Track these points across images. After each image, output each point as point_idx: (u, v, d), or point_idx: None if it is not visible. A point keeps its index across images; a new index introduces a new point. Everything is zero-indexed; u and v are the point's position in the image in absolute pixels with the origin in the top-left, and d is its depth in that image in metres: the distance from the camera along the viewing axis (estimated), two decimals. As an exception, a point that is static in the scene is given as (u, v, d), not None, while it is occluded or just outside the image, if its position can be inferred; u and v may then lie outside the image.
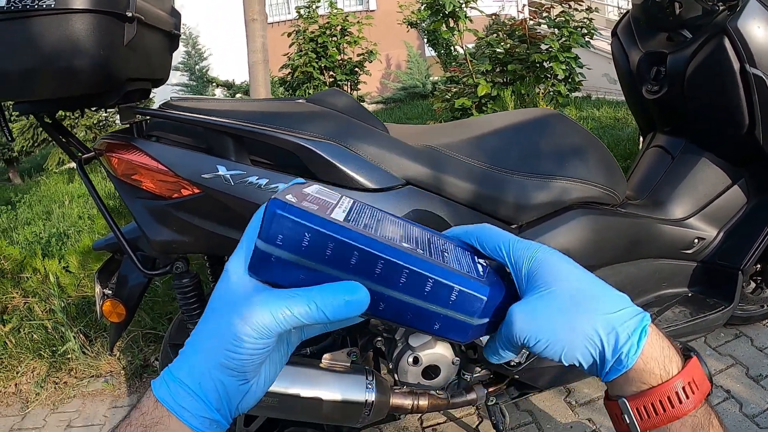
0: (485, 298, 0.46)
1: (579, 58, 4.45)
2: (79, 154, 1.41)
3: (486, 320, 0.48)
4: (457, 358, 1.52)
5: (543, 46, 4.32)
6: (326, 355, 1.44)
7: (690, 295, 2.00)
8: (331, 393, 1.34)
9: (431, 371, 1.53)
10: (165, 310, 2.89)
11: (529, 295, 0.46)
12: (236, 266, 0.45)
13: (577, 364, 0.45)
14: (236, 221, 1.35)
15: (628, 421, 0.45)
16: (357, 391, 1.29)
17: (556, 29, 4.39)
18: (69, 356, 2.86)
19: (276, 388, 1.27)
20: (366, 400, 1.33)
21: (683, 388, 0.43)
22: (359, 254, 0.44)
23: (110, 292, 1.65)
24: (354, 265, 0.44)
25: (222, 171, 1.32)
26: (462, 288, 0.45)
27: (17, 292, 2.95)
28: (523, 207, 1.56)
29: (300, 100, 1.53)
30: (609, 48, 2.96)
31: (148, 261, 1.58)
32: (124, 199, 1.41)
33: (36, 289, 2.98)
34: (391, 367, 1.57)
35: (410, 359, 1.54)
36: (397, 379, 1.52)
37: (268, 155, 1.38)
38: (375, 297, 0.45)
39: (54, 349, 2.87)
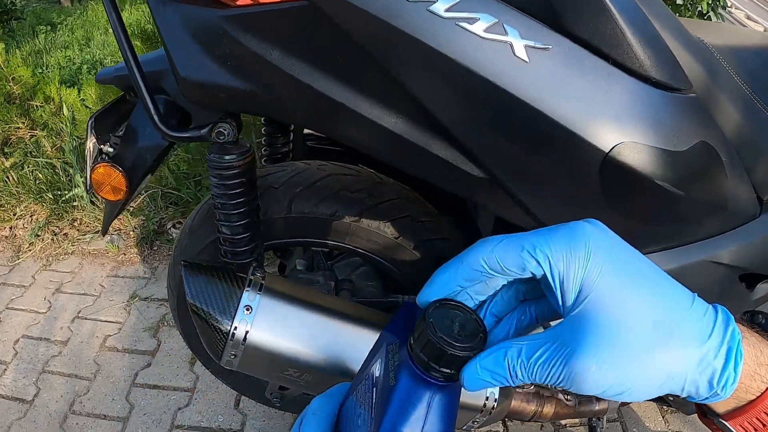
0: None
1: None
2: None
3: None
4: None
5: None
6: None
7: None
8: None
9: None
10: (195, 170, 2.32)
11: (594, 334, 0.35)
12: None
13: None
14: (353, 70, 0.76)
15: None
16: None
17: None
18: (75, 204, 2.35)
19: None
20: (485, 405, 0.91)
21: None
22: None
23: (111, 150, 1.06)
24: None
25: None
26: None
27: (24, 122, 2.40)
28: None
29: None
30: None
31: (173, 113, 0.98)
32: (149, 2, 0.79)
33: (47, 121, 2.42)
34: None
35: None
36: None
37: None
38: None
39: (59, 193, 2.36)
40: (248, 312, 0.83)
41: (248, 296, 0.84)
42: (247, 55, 0.74)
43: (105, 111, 1.12)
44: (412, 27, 0.69)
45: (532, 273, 0.37)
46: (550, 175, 0.81)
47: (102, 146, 1.07)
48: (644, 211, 0.86)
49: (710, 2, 3.26)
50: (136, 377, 1.81)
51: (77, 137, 2.34)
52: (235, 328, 0.83)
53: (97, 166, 1.02)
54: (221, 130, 0.88)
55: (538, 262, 0.37)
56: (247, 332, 0.83)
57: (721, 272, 0.99)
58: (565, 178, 0.80)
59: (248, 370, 0.90)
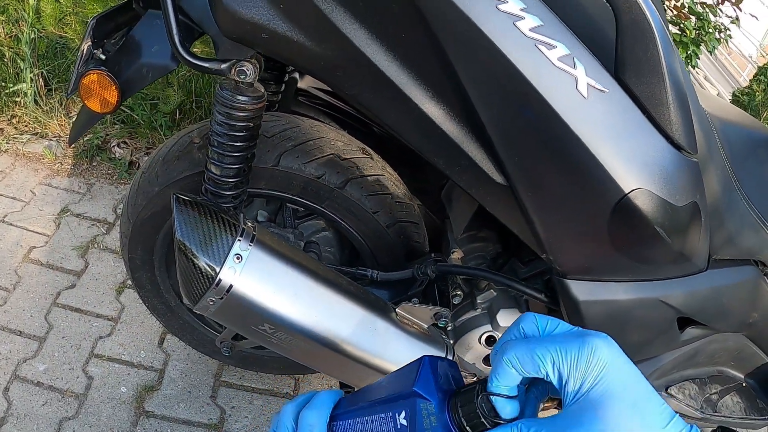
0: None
1: (697, 58, 3.69)
2: None
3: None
4: None
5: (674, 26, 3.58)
6: (405, 305, 0.95)
7: (744, 385, 1.69)
8: (396, 363, 0.94)
9: None
10: (154, 93, 2.20)
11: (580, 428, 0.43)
12: None
13: None
14: (414, 51, 0.80)
15: None
16: None
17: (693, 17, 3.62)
18: (17, 100, 2.18)
19: (314, 323, 0.89)
20: None
21: None
22: None
23: (103, 57, 0.99)
24: None
25: None
26: None
27: (-22, 1, 2.18)
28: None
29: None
30: None
31: (189, 33, 0.92)
32: None
33: (7, 5, 2.21)
34: (449, 329, 1.19)
35: (485, 336, 1.26)
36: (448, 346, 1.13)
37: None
38: None
39: (2, 84, 2.17)
40: (238, 261, 0.81)
41: (240, 245, 0.82)
42: (306, 5, 0.72)
43: (107, 15, 1.04)
44: (494, 34, 0.75)
45: (545, 375, 0.44)
46: (566, 197, 0.88)
47: (95, 51, 1.00)
48: (634, 248, 0.95)
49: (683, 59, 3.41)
50: (58, 296, 1.72)
51: (39, 30, 2.15)
52: (222, 275, 0.80)
53: (91, 72, 0.95)
54: (244, 69, 0.84)
55: (548, 372, 0.44)
56: (232, 282, 0.81)
57: (666, 312, 1.10)
58: (578, 205, 0.88)
59: (221, 318, 0.88)
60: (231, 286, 0.81)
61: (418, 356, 0.99)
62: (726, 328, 1.29)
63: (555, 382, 0.44)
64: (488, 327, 1.24)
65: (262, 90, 0.90)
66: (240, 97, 0.87)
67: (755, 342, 1.42)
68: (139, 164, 2.21)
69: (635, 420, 0.41)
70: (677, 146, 0.87)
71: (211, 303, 0.83)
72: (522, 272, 1.23)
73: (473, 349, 1.26)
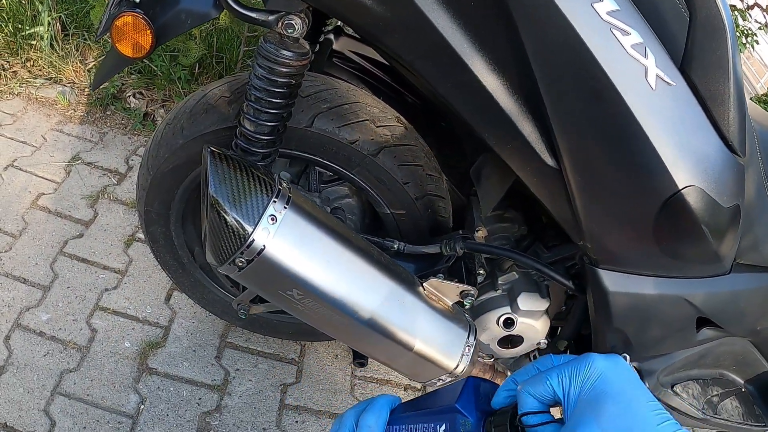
0: None
1: None
2: None
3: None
4: (545, 341, 1.28)
5: None
6: (432, 280, 0.97)
7: (743, 390, 1.71)
8: (422, 339, 0.93)
9: (511, 340, 1.29)
10: (175, 45, 2.14)
11: None
12: None
13: None
14: (480, 20, 0.78)
15: None
16: (452, 351, 0.96)
17: None
18: (33, 43, 2.11)
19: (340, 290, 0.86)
20: (456, 367, 0.98)
21: None
22: None
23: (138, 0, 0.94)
24: None
25: None
26: None
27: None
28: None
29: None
30: None
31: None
32: None
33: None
34: (467, 308, 1.15)
35: (503, 318, 1.25)
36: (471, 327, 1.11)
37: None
38: None
39: (19, 27, 2.10)
40: (272, 222, 0.78)
41: (275, 206, 0.79)
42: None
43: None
44: (571, 12, 0.74)
45: (554, 394, 0.49)
46: (618, 186, 0.87)
47: (132, -8, 0.95)
48: (674, 244, 0.94)
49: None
50: (65, 245, 1.69)
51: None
52: (255, 235, 0.77)
53: (125, 13, 0.90)
54: (292, 23, 0.80)
55: (555, 389, 0.48)
56: (265, 243, 0.78)
57: (688, 310, 1.09)
58: (629, 196, 0.88)
59: (248, 280, 0.85)
60: (263, 247, 0.78)
61: (443, 333, 0.97)
62: (738, 332, 1.29)
63: (562, 398, 0.48)
64: (507, 309, 1.22)
65: (308, 47, 0.86)
66: (285, 52, 0.83)
67: (759, 349, 1.43)
68: (154, 116, 2.16)
69: (629, 418, 0.44)
70: (730, 147, 0.87)
71: (240, 264, 0.79)
72: (545, 257, 1.21)
73: (489, 330, 1.24)
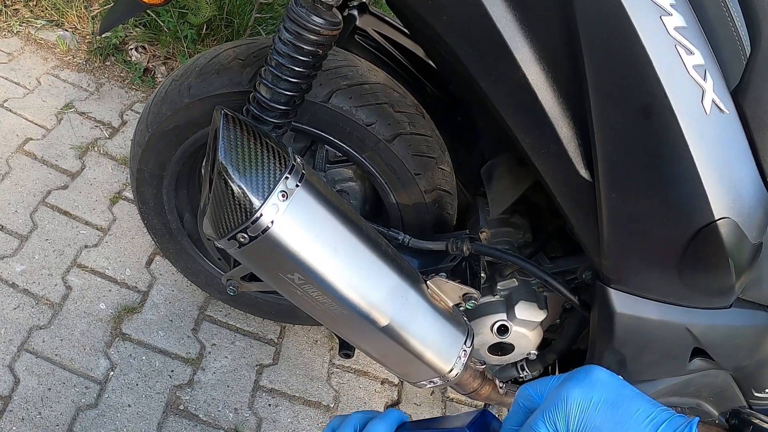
0: None
1: None
2: None
3: None
4: (535, 353, 1.26)
5: None
6: (436, 279, 0.94)
7: (716, 423, 1.72)
8: (420, 339, 0.89)
9: (501, 347, 1.26)
10: (186, 1, 2.05)
11: None
12: None
13: None
14: (537, 14, 0.76)
15: None
16: (448, 354, 0.91)
17: None
18: (37, -19, 2.02)
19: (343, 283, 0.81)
20: (450, 371, 0.93)
21: None
22: None
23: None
24: None
25: None
26: None
27: None
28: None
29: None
30: None
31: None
32: None
33: None
34: (462, 310, 1.09)
35: (498, 325, 1.21)
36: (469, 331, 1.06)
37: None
38: None
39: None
40: (283, 199, 0.73)
41: (288, 182, 0.73)
42: None
43: None
44: (639, 21, 0.71)
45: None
46: (653, 208, 0.84)
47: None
48: (696, 273, 0.92)
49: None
50: (47, 195, 1.61)
51: None
52: (263, 210, 0.72)
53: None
54: (329, -15, 0.74)
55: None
56: (273, 220, 0.72)
57: (687, 339, 1.08)
58: (662, 219, 0.85)
59: (247, 257, 0.80)
60: (270, 225, 0.72)
61: (442, 335, 0.93)
62: (727, 366, 1.28)
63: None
64: (503, 316, 1.18)
65: (340, 17, 0.80)
66: (316, 18, 0.77)
67: (738, 384, 1.43)
68: (154, 72, 2.08)
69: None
70: (765, 182, 0.86)
71: (242, 240, 0.74)
72: (546, 267, 1.17)
73: (481, 335, 1.20)
